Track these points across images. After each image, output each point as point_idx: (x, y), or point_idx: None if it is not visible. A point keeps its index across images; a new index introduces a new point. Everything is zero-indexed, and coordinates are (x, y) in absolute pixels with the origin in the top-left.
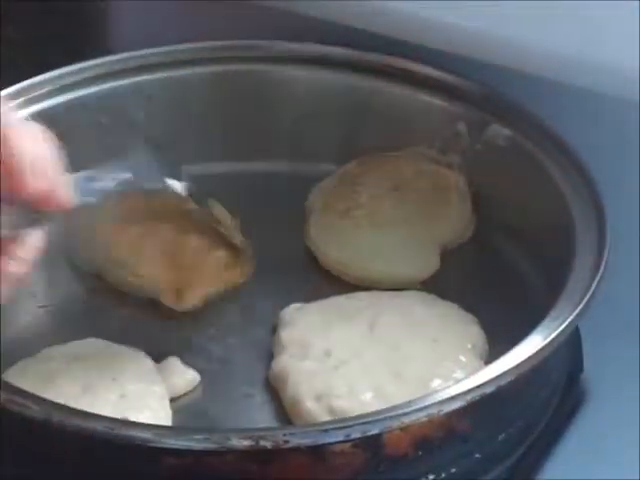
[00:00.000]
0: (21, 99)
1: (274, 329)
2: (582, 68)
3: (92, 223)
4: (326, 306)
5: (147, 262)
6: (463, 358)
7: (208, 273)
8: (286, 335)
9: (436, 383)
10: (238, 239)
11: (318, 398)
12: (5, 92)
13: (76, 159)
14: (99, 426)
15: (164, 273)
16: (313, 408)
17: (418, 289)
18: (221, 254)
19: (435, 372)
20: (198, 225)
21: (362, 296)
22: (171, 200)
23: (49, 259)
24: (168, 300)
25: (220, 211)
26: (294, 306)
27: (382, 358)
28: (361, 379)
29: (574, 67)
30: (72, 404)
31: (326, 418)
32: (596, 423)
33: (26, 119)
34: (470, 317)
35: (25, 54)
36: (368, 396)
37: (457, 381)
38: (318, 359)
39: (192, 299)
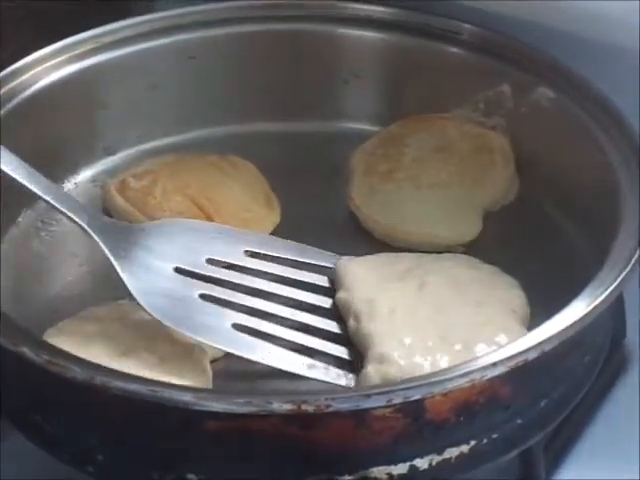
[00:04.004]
0: (64, 56)
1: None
2: (631, 30)
3: None
4: (376, 263)
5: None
6: (506, 323)
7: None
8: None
9: (479, 348)
10: (266, 192)
11: (380, 361)
12: (48, 49)
13: (114, 115)
14: (141, 388)
15: None
16: (371, 372)
17: (460, 252)
18: (248, 205)
19: (479, 336)
20: (226, 177)
21: (408, 256)
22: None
23: None
24: None
25: (245, 164)
26: (345, 259)
27: (431, 320)
28: (416, 341)
29: (624, 28)
30: (111, 366)
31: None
32: (639, 388)
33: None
34: (512, 281)
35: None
36: (420, 360)
37: (500, 346)
38: (386, 319)
39: None
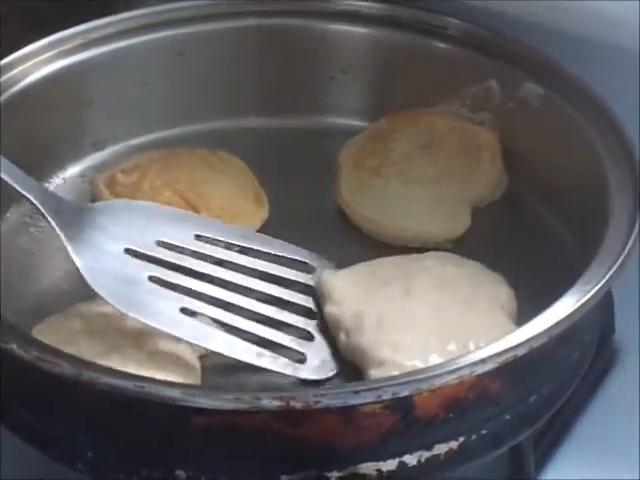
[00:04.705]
0: (51, 52)
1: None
2: (622, 26)
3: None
4: (359, 274)
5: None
6: (494, 318)
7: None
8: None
9: (469, 345)
10: (254, 187)
11: (379, 365)
12: (36, 45)
13: (103, 111)
14: (129, 384)
15: None
16: (375, 374)
17: (448, 248)
18: (237, 201)
19: (468, 334)
20: (215, 172)
21: (388, 262)
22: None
23: None
24: None
25: (233, 160)
26: (328, 272)
27: (423, 322)
28: (410, 343)
29: (612, 25)
30: (99, 362)
31: None
32: (627, 384)
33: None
34: (498, 276)
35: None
36: (418, 362)
37: (489, 342)
38: (374, 329)
39: None
